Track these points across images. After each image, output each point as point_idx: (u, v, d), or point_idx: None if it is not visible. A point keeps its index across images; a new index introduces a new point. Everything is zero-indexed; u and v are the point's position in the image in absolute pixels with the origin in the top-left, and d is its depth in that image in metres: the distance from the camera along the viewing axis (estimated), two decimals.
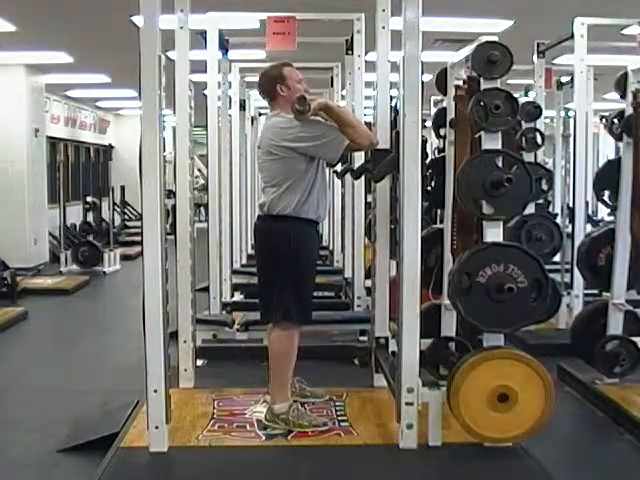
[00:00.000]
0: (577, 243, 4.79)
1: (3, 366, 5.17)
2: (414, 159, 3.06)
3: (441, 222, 3.80)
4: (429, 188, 3.79)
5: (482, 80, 3.11)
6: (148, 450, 3.07)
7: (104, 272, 9.56)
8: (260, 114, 10.55)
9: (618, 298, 4.02)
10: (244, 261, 7.43)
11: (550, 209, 6.56)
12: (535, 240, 5.47)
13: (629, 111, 3.91)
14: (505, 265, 3.01)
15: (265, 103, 3.77)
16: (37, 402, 4.27)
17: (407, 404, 3.09)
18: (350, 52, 5.26)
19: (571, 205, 5.56)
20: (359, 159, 4.76)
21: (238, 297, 6.19)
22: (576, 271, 4.82)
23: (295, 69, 3.54)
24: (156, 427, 3.06)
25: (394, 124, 3.81)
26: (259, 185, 11.60)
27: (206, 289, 5.29)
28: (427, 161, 4.26)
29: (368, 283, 4.66)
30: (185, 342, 3.96)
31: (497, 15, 6.58)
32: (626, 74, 3.93)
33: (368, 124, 4.41)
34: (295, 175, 3.36)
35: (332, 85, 7.22)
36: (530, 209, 5.45)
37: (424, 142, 4.05)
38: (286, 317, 3.39)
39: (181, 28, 4.01)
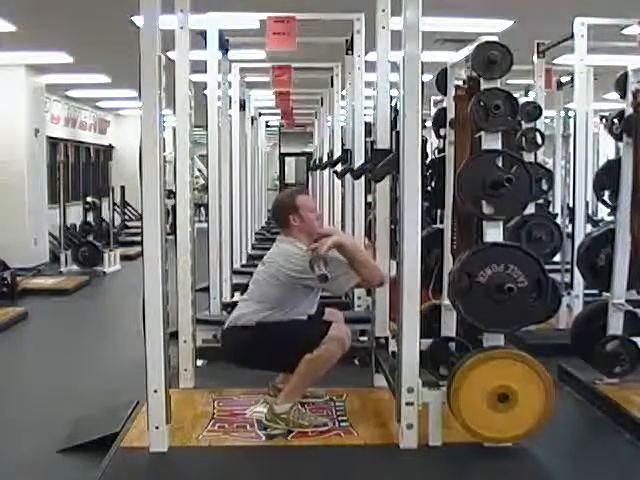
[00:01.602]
0: (577, 243, 4.79)
1: (3, 366, 5.17)
2: (414, 159, 3.06)
3: (441, 222, 3.80)
4: (429, 188, 3.79)
5: (482, 80, 3.11)
6: (148, 450, 3.07)
7: (104, 272, 9.56)
8: (260, 114, 10.56)
9: (618, 298, 4.02)
10: (244, 261, 7.44)
11: (550, 209, 6.56)
12: (535, 240, 5.46)
13: (629, 111, 3.91)
14: (505, 265, 3.01)
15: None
16: (37, 402, 4.27)
17: (407, 404, 3.09)
18: (350, 52, 5.26)
19: (571, 205, 5.55)
20: (359, 159, 4.77)
21: (238, 297, 6.18)
22: (576, 271, 4.82)
23: (308, 198, 3.60)
24: (156, 427, 3.06)
25: (394, 124, 3.81)
26: (259, 185, 11.64)
27: (206, 289, 5.29)
28: (427, 161, 4.27)
29: None
30: (185, 342, 3.96)
31: (497, 15, 6.58)
32: (626, 74, 3.93)
33: (368, 124, 4.42)
34: (287, 302, 3.41)
35: (332, 85, 7.22)
36: (530, 209, 5.45)
37: (424, 142, 4.05)
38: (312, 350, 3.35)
39: (181, 28, 4.01)
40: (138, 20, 2.97)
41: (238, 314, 3.52)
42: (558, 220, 5.95)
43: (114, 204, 12.30)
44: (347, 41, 5.31)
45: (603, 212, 8.00)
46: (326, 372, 3.37)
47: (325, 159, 8.35)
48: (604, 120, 5.09)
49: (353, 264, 3.35)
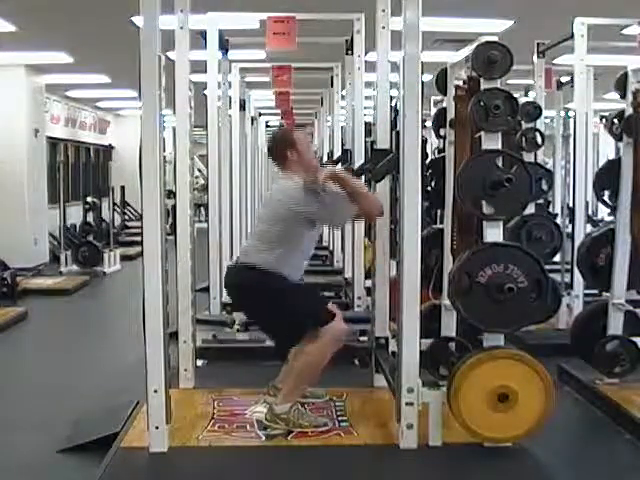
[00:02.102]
0: (577, 243, 4.79)
1: (3, 366, 5.18)
2: (414, 159, 3.06)
3: (441, 222, 3.80)
4: (429, 188, 3.79)
5: (482, 80, 3.11)
6: (148, 450, 3.07)
7: (104, 272, 9.56)
8: (260, 114, 10.55)
9: (618, 298, 4.02)
10: None
11: (550, 209, 6.56)
12: (535, 240, 5.46)
13: (629, 111, 3.91)
14: (505, 265, 3.01)
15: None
16: (37, 402, 4.27)
17: (407, 404, 3.09)
18: (350, 52, 5.27)
19: (571, 205, 5.56)
20: (359, 159, 4.77)
21: None
22: (576, 271, 4.81)
23: (305, 134, 3.59)
24: (156, 427, 3.06)
25: (394, 124, 3.81)
26: (259, 185, 11.62)
27: (206, 289, 5.29)
28: (427, 161, 4.27)
29: (368, 283, 4.66)
30: (185, 342, 3.96)
31: (497, 15, 6.58)
32: (626, 74, 3.93)
33: (368, 124, 4.42)
34: (291, 237, 3.40)
35: (332, 85, 7.22)
36: (530, 209, 5.45)
37: (424, 142, 4.05)
38: (310, 334, 3.36)
39: (181, 28, 4.00)
40: (138, 20, 2.96)
41: (247, 253, 3.50)
42: (558, 220, 5.95)
43: (114, 204, 12.31)
44: (347, 41, 5.31)
45: (603, 212, 8.00)
46: (322, 371, 3.37)
47: (325, 159, 8.35)
48: (604, 120, 5.09)
49: (352, 195, 3.35)
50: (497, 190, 3.02)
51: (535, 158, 5.80)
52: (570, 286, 5.34)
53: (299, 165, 3.47)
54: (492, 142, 3.08)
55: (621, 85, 3.96)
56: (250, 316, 3.59)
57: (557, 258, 5.83)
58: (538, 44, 6.05)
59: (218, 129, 5.32)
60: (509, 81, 3.32)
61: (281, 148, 3.53)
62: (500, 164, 3.06)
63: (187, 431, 3.33)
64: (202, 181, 11.11)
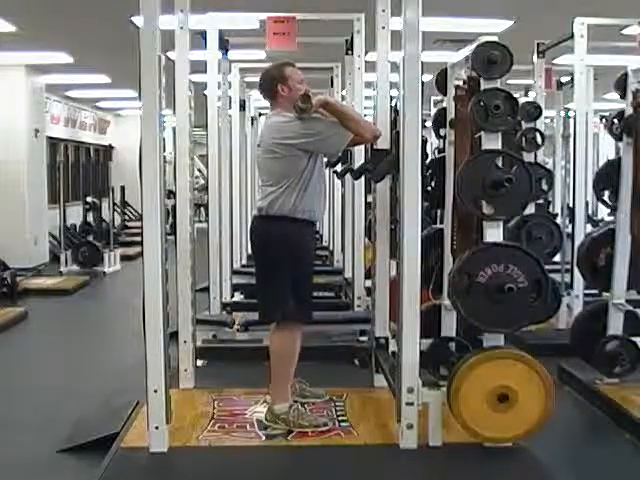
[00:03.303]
0: (577, 243, 4.79)
1: (3, 366, 5.18)
2: (414, 159, 3.06)
3: (441, 222, 3.80)
4: (429, 188, 3.79)
5: (482, 80, 3.11)
6: (148, 450, 3.07)
7: (104, 272, 9.56)
8: (260, 114, 10.54)
9: (618, 298, 4.02)
10: (244, 261, 7.43)
11: (550, 209, 6.55)
12: (535, 240, 5.46)
13: (629, 111, 3.91)
14: (505, 265, 3.01)
15: (266, 104, 3.78)
16: (37, 402, 4.27)
17: (407, 404, 3.09)
18: (350, 52, 5.27)
19: (571, 205, 5.55)
20: (359, 159, 4.77)
21: (238, 297, 6.19)
22: (576, 271, 4.81)
23: (297, 69, 3.55)
24: (156, 427, 3.06)
25: (394, 124, 3.81)
26: (259, 185, 11.64)
27: (206, 289, 5.29)
28: (427, 161, 4.26)
29: (368, 283, 4.66)
30: (185, 342, 3.96)
31: (497, 15, 6.58)
32: (626, 74, 3.93)
33: None
34: (294, 174, 3.36)
35: (332, 85, 7.22)
36: (530, 209, 5.45)
37: (424, 142, 4.04)
38: (285, 316, 3.40)
39: (181, 28, 4.00)
40: (138, 20, 2.96)
41: (259, 205, 3.49)
42: (558, 220, 5.95)
43: (114, 204, 12.29)
44: (347, 41, 5.31)
45: (603, 212, 8.00)
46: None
47: (325, 159, 8.34)
48: (604, 120, 5.09)
49: (344, 121, 3.34)
50: (497, 190, 3.02)
51: (535, 158, 5.80)
52: (570, 286, 5.34)
53: (290, 100, 3.41)
54: (492, 142, 3.08)
55: (621, 85, 3.96)
56: (258, 264, 3.57)
57: (557, 258, 5.82)
58: (538, 44, 6.04)
59: (218, 129, 5.32)
60: (509, 81, 3.32)
61: (272, 83, 3.48)
62: (500, 164, 3.06)
63: (187, 431, 3.33)
64: (202, 181, 11.11)
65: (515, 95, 3.10)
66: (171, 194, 3.90)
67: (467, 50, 3.20)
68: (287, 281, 3.38)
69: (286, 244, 3.37)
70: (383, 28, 3.93)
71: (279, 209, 3.36)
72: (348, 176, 5.08)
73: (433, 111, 6.80)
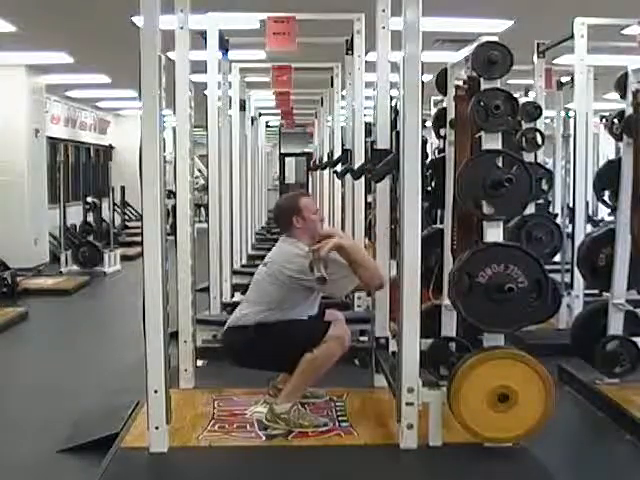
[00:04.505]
0: (577, 243, 4.79)
1: (3, 366, 5.18)
2: (414, 159, 3.06)
3: (441, 222, 3.80)
4: (429, 188, 3.79)
5: (482, 80, 3.11)
6: (148, 450, 3.07)
7: (104, 272, 9.56)
8: (260, 114, 10.56)
9: (618, 298, 4.02)
10: (244, 261, 7.43)
11: (550, 209, 6.56)
12: (535, 240, 5.46)
13: (629, 111, 3.91)
14: (505, 265, 3.01)
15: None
16: (37, 402, 4.27)
17: (407, 404, 3.09)
18: (350, 52, 5.26)
19: (571, 205, 5.55)
20: (359, 159, 4.77)
21: (238, 297, 6.18)
22: (576, 271, 4.82)
23: (311, 200, 3.63)
24: (156, 427, 3.06)
25: (394, 124, 3.81)
26: (259, 185, 11.63)
27: (206, 289, 5.29)
28: (427, 161, 4.27)
29: None
30: (185, 342, 3.96)
31: (497, 15, 6.58)
32: (626, 74, 3.93)
33: (368, 124, 4.41)
34: (288, 302, 3.42)
35: (332, 85, 7.22)
36: (530, 209, 5.45)
37: (424, 142, 4.05)
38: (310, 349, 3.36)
39: (181, 28, 4.00)
40: (138, 20, 2.96)
41: (239, 314, 3.53)
42: (558, 220, 5.95)
43: (114, 204, 12.30)
44: (347, 41, 5.31)
45: (603, 212, 7.99)
46: (326, 372, 3.37)
47: (325, 159, 8.35)
48: (604, 120, 5.09)
49: (353, 266, 3.35)
50: (497, 190, 3.02)
51: (535, 158, 5.80)
52: (570, 286, 5.34)
53: (304, 232, 3.49)
54: (492, 142, 3.08)
55: (621, 85, 3.96)
56: (254, 367, 3.60)
57: (557, 258, 5.83)
58: (538, 44, 6.05)
59: (218, 129, 5.31)
60: (509, 81, 3.32)
61: (287, 215, 3.54)
62: (500, 164, 3.06)
63: (187, 431, 3.33)
64: (202, 181, 11.11)
65: (515, 95, 3.10)
66: (171, 194, 3.90)
67: (467, 50, 3.20)
68: (290, 349, 3.35)
69: (270, 333, 3.38)
70: (383, 28, 3.93)
71: (261, 319, 3.40)
72: (348, 176, 5.09)
73: (433, 111, 6.81)
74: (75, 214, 11.11)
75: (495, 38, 3.10)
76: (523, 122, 5.66)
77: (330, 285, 3.25)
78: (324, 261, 3.26)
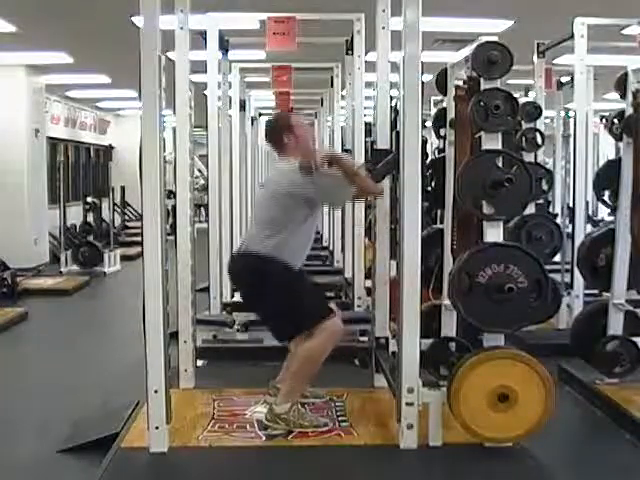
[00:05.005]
0: (577, 243, 4.79)
1: (3, 366, 5.17)
2: (414, 159, 3.06)
3: (441, 222, 3.80)
4: (429, 188, 3.79)
5: (482, 80, 3.11)
6: (148, 450, 3.07)
7: (104, 272, 9.56)
8: (260, 114, 10.55)
9: (618, 298, 4.02)
10: None
11: (550, 209, 6.56)
12: (535, 240, 5.46)
13: (629, 111, 3.91)
14: (505, 265, 3.01)
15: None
16: (37, 402, 4.27)
17: (407, 404, 3.09)
18: (350, 52, 5.27)
19: (571, 205, 5.56)
20: (359, 159, 4.76)
21: (238, 297, 6.18)
22: (576, 271, 4.82)
23: (302, 118, 3.60)
24: (156, 427, 3.06)
25: (394, 124, 3.81)
26: (259, 185, 11.61)
27: (206, 289, 5.29)
28: (427, 161, 4.27)
29: (368, 283, 4.66)
30: (185, 342, 3.96)
31: (497, 15, 6.58)
32: (626, 74, 3.93)
33: (368, 124, 4.41)
34: (290, 223, 3.39)
35: (332, 85, 7.23)
36: (530, 209, 5.45)
37: (424, 142, 4.05)
38: (307, 327, 3.37)
39: (181, 28, 4.00)
40: (138, 20, 2.96)
41: (249, 240, 3.51)
42: (558, 220, 5.95)
43: (114, 204, 12.30)
44: (347, 41, 5.31)
45: (603, 212, 8.00)
46: (320, 370, 3.37)
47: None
48: (604, 120, 5.09)
49: (349, 176, 3.38)
50: (497, 190, 3.02)
51: (535, 158, 5.80)
52: (570, 286, 5.34)
53: (296, 149, 3.47)
54: (492, 142, 3.09)
55: (621, 85, 3.96)
56: (250, 304, 3.60)
57: (557, 258, 5.83)
58: (538, 44, 6.05)
59: (218, 129, 5.32)
60: (509, 81, 3.32)
61: (278, 132, 3.54)
62: (500, 164, 3.06)
63: (187, 431, 3.33)
64: (202, 181, 11.10)
65: (515, 95, 3.10)
66: (171, 194, 3.90)
67: (467, 50, 3.20)
68: (289, 307, 3.36)
69: (272, 280, 3.36)
70: (383, 28, 3.93)
71: (264, 249, 3.37)
72: None
73: (433, 111, 6.81)
74: (75, 214, 11.11)
75: (495, 38, 3.11)
76: (523, 122, 5.67)
77: (329, 193, 3.36)
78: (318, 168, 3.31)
